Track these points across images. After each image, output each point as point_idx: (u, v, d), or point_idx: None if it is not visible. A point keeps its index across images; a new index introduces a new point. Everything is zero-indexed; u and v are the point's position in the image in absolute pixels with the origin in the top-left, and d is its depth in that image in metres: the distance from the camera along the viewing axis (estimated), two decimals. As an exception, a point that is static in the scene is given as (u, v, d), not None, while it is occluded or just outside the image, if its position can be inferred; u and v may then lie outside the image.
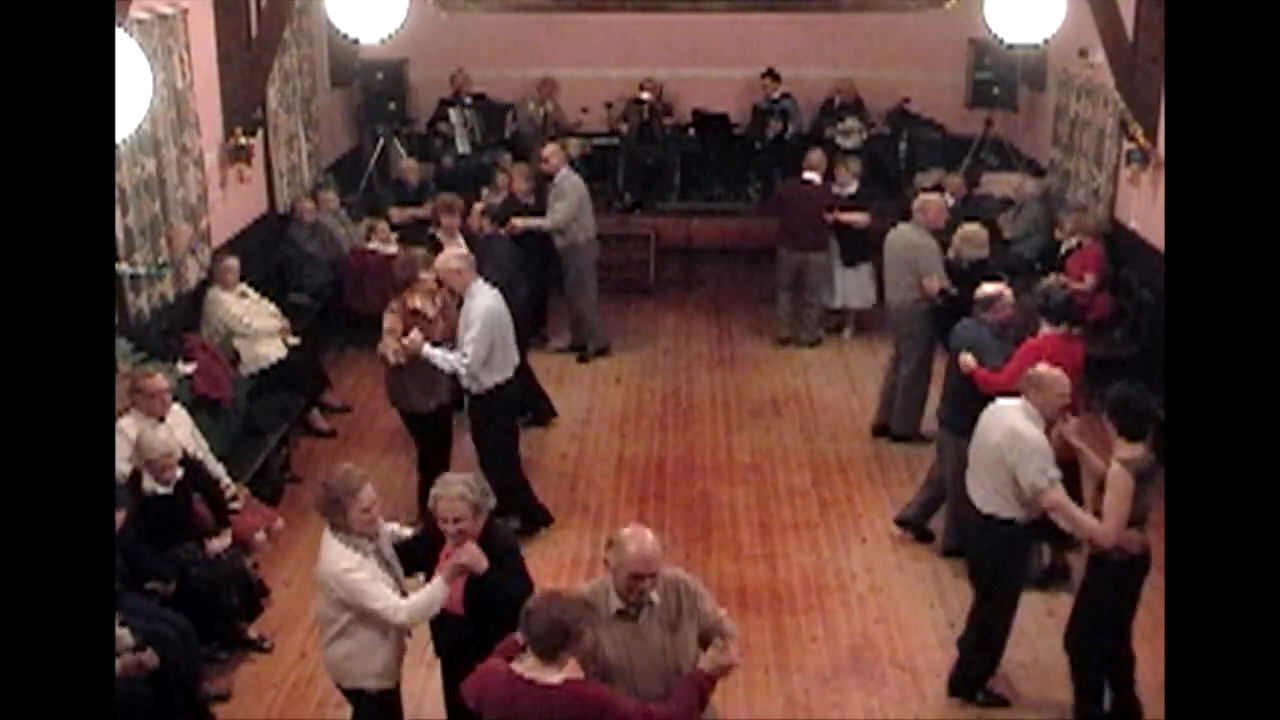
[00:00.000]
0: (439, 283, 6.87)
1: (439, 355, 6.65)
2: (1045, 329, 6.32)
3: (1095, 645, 5.32)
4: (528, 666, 3.68)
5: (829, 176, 9.98)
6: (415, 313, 6.82)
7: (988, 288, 6.59)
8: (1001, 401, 5.51)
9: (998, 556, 5.45)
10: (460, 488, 4.41)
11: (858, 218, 9.81)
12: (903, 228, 8.13)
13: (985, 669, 5.65)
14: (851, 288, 10.16)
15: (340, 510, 4.38)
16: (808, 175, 9.94)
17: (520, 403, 7.44)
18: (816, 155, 10.06)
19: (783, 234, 10.07)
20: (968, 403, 6.15)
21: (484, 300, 6.67)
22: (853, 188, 9.94)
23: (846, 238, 9.91)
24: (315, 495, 4.60)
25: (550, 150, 9.72)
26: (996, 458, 5.32)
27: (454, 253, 6.95)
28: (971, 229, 7.79)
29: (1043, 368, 5.42)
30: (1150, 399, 5.06)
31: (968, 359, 6.40)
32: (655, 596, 3.97)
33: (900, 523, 7.15)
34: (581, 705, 3.64)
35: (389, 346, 6.69)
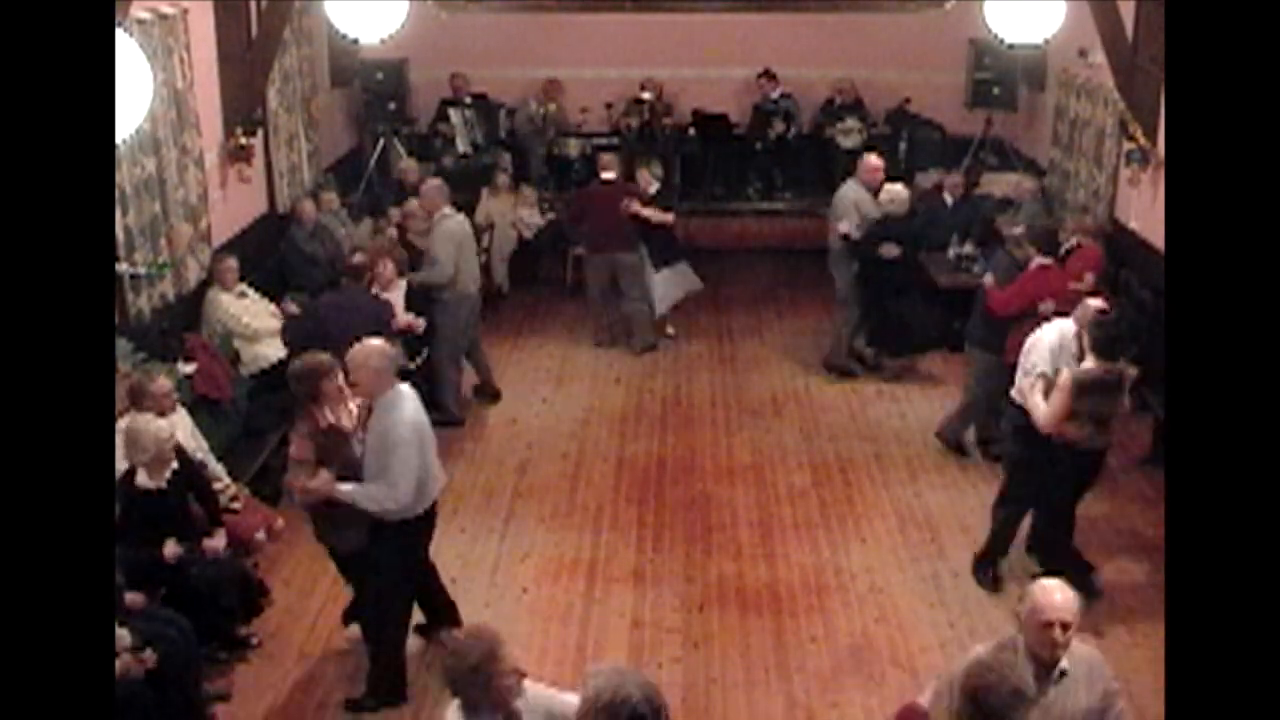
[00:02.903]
0: (350, 382, 5.40)
1: (360, 493, 5.20)
2: (1036, 260, 7.44)
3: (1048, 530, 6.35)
4: None
5: (629, 178, 9.93)
6: (329, 430, 5.36)
7: (1016, 230, 8.17)
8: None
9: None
10: None
11: (663, 216, 9.64)
12: (846, 183, 9.42)
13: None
14: (665, 291, 9.94)
15: (480, 682, 3.56)
16: (605, 175, 9.84)
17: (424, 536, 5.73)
18: (608, 157, 10.03)
19: (586, 237, 9.97)
20: (991, 323, 7.54)
21: (406, 412, 5.25)
22: (654, 188, 9.75)
23: (654, 240, 9.73)
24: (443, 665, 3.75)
25: (430, 185, 8.61)
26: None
27: (376, 348, 5.34)
28: (895, 188, 9.04)
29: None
30: (1126, 329, 6.00)
31: (988, 279, 7.71)
32: (1066, 664, 3.80)
33: (938, 435, 8.27)
34: None
35: (298, 481, 5.34)
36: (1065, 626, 3.80)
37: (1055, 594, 3.83)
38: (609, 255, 9.74)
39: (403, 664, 5.63)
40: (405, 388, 5.36)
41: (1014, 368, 7.05)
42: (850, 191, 9.32)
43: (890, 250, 8.92)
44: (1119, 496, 7.53)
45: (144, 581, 5.49)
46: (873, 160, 9.44)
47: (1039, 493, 6.34)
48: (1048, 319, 6.76)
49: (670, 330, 10.29)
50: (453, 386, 8.55)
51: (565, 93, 12.61)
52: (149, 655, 4.94)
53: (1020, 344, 7.06)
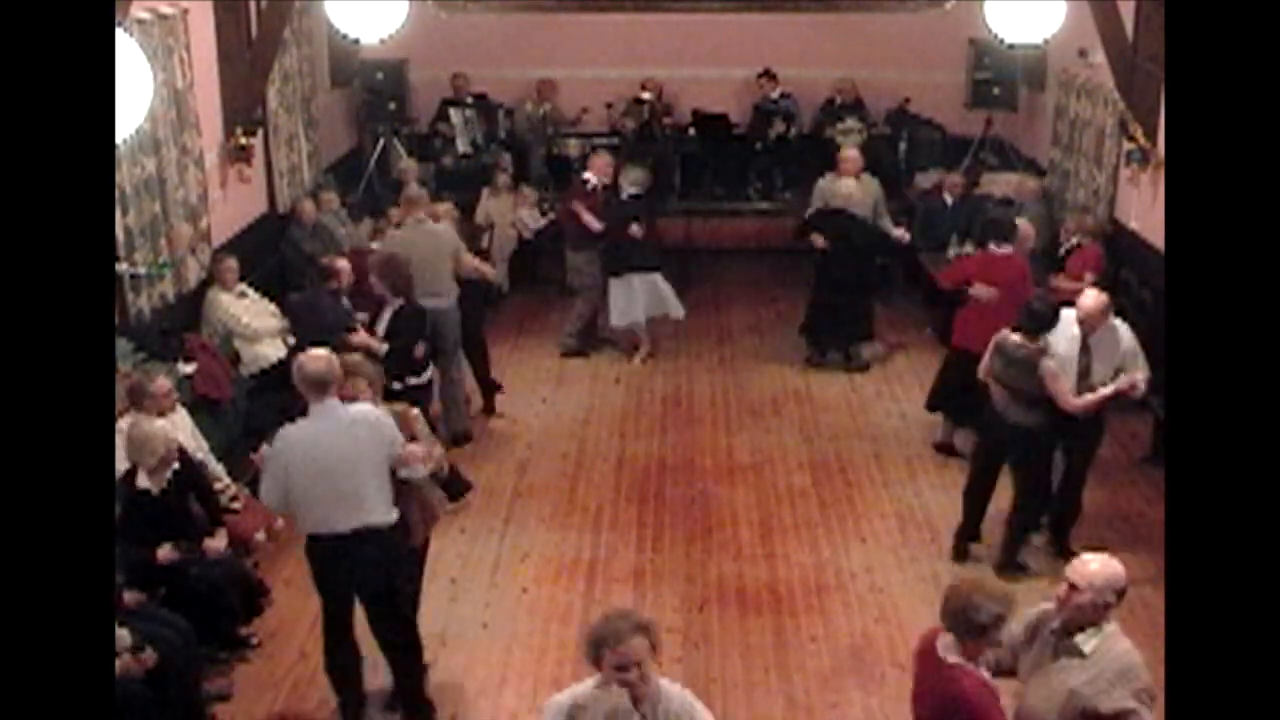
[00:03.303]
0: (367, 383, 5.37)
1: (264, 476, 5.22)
2: (991, 247, 7.80)
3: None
4: (945, 642, 3.85)
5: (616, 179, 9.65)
6: None
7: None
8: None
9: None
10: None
11: (591, 221, 9.32)
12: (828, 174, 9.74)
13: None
14: (615, 303, 9.54)
15: (597, 659, 3.72)
16: (584, 175, 9.71)
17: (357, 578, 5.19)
18: (592, 157, 9.88)
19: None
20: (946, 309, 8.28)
21: (296, 429, 5.08)
22: (630, 192, 9.42)
23: (606, 246, 9.44)
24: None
25: (407, 191, 8.49)
26: None
27: (303, 358, 5.14)
28: (843, 183, 9.30)
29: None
30: (1046, 310, 6.37)
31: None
32: (1089, 648, 3.90)
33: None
34: (957, 692, 3.74)
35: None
36: (1072, 588, 3.90)
37: (1089, 563, 3.96)
38: (567, 253, 9.89)
39: (335, 676, 5.38)
40: (338, 408, 5.04)
41: (959, 351, 7.70)
42: (822, 181, 9.59)
43: (817, 240, 9.18)
44: (1118, 496, 7.54)
45: (144, 582, 5.50)
46: (846, 152, 9.66)
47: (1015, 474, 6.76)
48: (984, 304, 7.51)
49: (640, 356, 9.73)
50: (445, 399, 8.05)
51: (559, 92, 12.59)
52: (149, 655, 4.94)
53: (962, 329, 7.75)
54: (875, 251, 9.52)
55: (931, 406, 8.28)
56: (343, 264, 7.68)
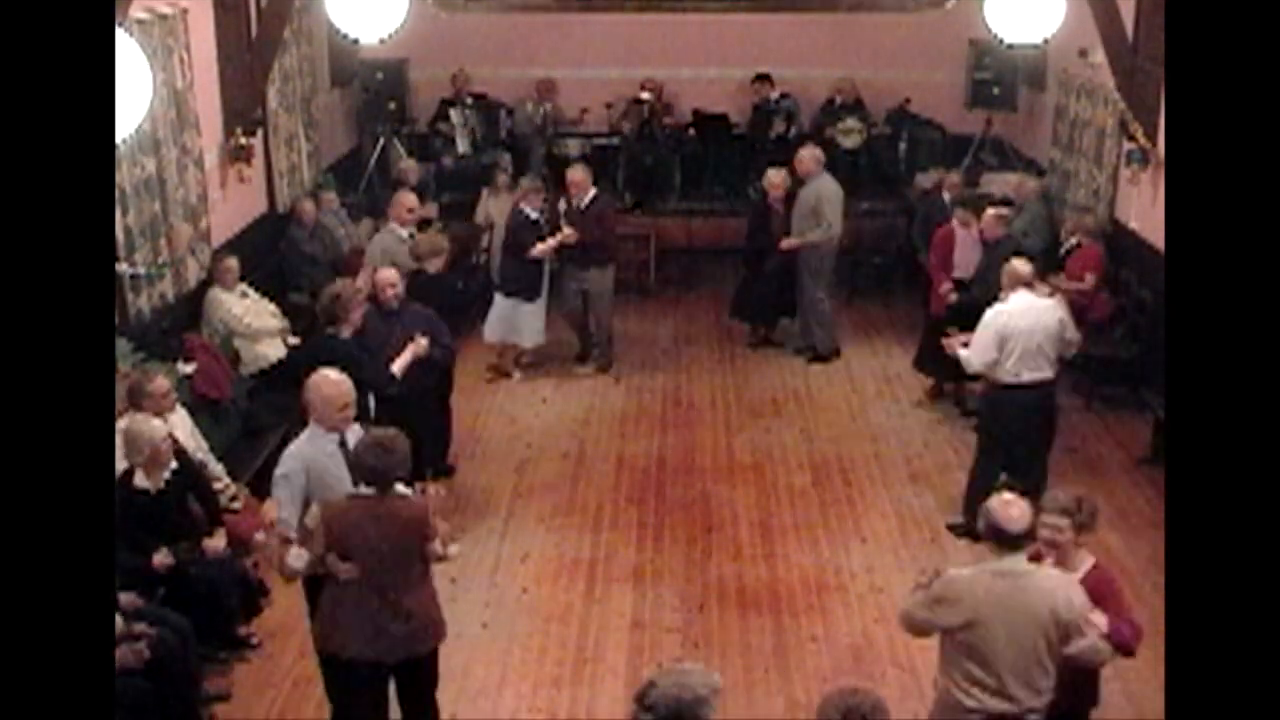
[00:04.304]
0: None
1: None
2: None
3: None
4: None
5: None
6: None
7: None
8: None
9: None
10: None
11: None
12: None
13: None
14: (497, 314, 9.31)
15: None
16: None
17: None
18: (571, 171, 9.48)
19: None
20: None
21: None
22: (528, 212, 9.19)
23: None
24: None
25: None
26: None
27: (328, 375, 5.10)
28: (768, 174, 9.84)
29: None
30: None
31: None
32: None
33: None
34: None
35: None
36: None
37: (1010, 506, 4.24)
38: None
39: None
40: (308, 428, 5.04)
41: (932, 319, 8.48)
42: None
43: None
44: (1118, 496, 7.54)
45: (142, 583, 5.49)
46: (800, 152, 9.84)
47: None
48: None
49: (512, 367, 9.47)
50: None
51: (560, 92, 12.59)
52: (142, 636, 4.92)
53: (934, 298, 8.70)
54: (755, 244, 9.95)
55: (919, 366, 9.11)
56: (385, 274, 6.96)
